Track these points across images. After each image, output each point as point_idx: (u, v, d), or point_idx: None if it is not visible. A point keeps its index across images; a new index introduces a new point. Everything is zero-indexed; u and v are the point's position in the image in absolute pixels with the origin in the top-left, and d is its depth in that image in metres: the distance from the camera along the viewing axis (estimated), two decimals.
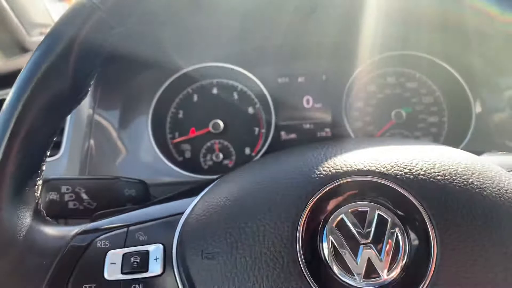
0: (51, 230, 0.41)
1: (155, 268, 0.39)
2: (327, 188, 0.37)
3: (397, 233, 0.35)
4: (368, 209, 0.36)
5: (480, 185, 0.37)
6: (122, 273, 0.39)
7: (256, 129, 0.91)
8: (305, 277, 0.34)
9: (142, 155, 0.85)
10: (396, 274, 0.34)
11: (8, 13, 0.90)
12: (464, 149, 0.44)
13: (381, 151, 0.40)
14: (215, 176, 0.48)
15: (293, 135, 0.89)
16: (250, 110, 0.91)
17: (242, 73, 0.90)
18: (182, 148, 0.90)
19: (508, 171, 0.41)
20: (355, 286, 0.35)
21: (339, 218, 0.36)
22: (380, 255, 0.35)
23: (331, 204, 0.37)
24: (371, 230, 0.36)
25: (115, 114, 0.86)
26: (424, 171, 0.37)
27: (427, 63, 0.90)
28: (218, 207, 0.40)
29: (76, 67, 0.40)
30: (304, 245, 0.35)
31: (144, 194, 0.57)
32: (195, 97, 0.92)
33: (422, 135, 0.91)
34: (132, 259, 0.39)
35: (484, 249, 0.35)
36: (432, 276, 0.34)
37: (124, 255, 0.39)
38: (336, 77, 0.89)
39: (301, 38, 0.86)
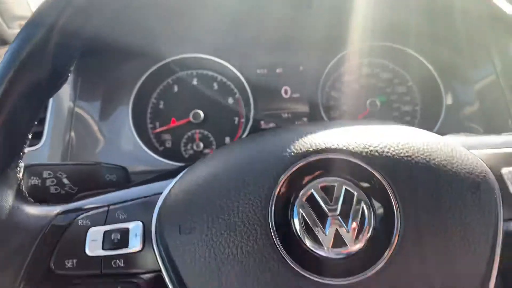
0: (33, 210, 0.42)
1: (135, 244, 0.41)
2: (298, 166, 0.39)
3: (362, 206, 0.38)
4: (336, 184, 0.39)
5: (441, 161, 0.40)
6: (103, 249, 0.40)
7: (236, 119, 0.93)
8: (278, 248, 0.37)
9: (123, 145, 0.86)
10: (362, 244, 0.37)
11: None
12: None
13: (349, 131, 0.42)
14: None
15: (272, 125, 0.92)
16: (230, 100, 0.93)
17: (222, 64, 0.91)
18: (163, 138, 0.92)
19: (468, 150, 0.44)
20: (324, 256, 0.37)
21: (309, 193, 0.38)
22: (347, 226, 0.37)
23: (302, 180, 0.39)
24: (338, 204, 0.38)
25: (96, 105, 0.87)
26: (388, 149, 0.40)
27: (401, 54, 0.93)
28: (195, 185, 0.42)
29: (55, 54, 0.42)
30: (276, 219, 0.38)
31: (125, 180, 0.58)
32: (176, 88, 0.93)
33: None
34: (112, 236, 0.41)
35: (444, 219, 0.38)
36: (395, 245, 0.37)
37: (105, 232, 0.41)
38: (313, 68, 0.92)
39: (281, 31, 0.88)
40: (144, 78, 0.90)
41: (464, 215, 0.38)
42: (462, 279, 0.37)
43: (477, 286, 0.38)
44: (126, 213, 0.42)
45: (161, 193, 0.44)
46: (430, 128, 0.89)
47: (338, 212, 0.38)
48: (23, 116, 0.41)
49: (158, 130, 0.91)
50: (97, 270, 0.40)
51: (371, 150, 0.40)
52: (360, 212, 0.38)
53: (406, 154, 0.40)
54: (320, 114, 0.90)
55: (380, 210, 0.38)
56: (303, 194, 0.38)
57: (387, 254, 0.36)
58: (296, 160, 0.39)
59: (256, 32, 0.88)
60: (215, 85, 0.93)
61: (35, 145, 0.75)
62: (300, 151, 0.40)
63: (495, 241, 0.39)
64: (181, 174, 0.45)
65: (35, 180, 0.52)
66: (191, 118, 0.91)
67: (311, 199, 0.38)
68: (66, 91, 0.82)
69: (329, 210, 0.38)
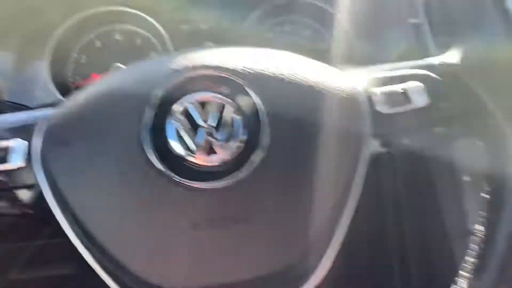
0: None
1: (16, 160, 0.41)
2: (174, 81, 0.41)
3: (234, 118, 0.40)
4: (210, 98, 0.41)
5: (314, 80, 0.43)
6: None
7: None
8: (152, 157, 0.39)
9: (40, 98, 0.84)
10: (232, 154, 0.40)
11: None
12: None
13: (228, 52, 0.45)
14: None
15: None
16: (153, 55, 0.93)
17: (145, 18, 0.91)
18: None
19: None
20: (197, 163, 0.39)
21: (183, 106, 0.40)
22: (218, 136, 0.40)
23: (177, 95, 0.41)
24: (211, 116, 0.40)
25: (11, 58, 0.84)
26: (262, 67, 0.43)
27: None
28: (78, 106, 0.43)
29: None
30: (152, 131, 0.39)
31: None
32: (98, 43, 0.92)
33: None
34: None
35: (310, 136, 0.41)
36: (261, 157, 0.40)
37: None
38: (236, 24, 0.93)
39: None
40: (63, 31, 0.88)
41: (330, 132, 0.42)
42: (320, 193, 0.41)
43: (335, 201, 0.41)
44: (8, 131, 0.43)
45: (47, 116, 0.44)
46: None
47: (210, 123, 0.40)
48: None
49: (78, 83, 0.90)
50: None
51: (246, 67, 0.42)
52: (232, 124, 0.40)
53: (279, 72, 0.43)
54: None
55: (250, 123, 0.41)
56: (178, 107, 0.40)
57: (252, 164, 0.39)
58: (172, 76, 0.41)
59: None
60: (138, 41, 0.93)
61: None
62: (177, 68, 0.42)
63: (358, 158, 0.42)
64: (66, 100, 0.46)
65: None
66: None
67: (185, 112, 0.40)
68: None
69: (202, 121, 0.40)
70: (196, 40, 0.93)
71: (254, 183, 0.39)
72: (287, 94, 0.42)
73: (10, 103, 0.56)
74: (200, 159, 0.39)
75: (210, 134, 0.40)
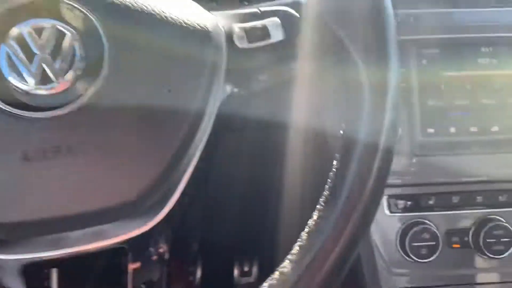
0: None
1: None
2: (11, 3, 0.39)
3: (73, 45, 0.38)
4: (48, 25, 0.39)
5: (170, 14, 0.41)
6: None
7: None
8: None
9: None
10: (69, 82, 0.38)
11: None
12: None
13: None
14: None
15: None
16: None
17: None
18: None
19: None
20: (31, 92, 0.37)
21: (17, 32, 0.38)
22: (55, 64, 0.38)
23: (12, 21, 0.38)
24: (48, 43, 0.38)
25: None
26: None
27: None
28: None
29: None
30: None
31: None
32: None
33: None
34: None
35: (157, 70, 0.39)
36: (100, 86, 0.38)
37: None
38: None
39: None
40: None
41: (178, 62, 0.40)
42: (166, 124, 0.39)
43: (183, 134, 0.39)
44: None
45: None
46: None
47: (47, 50, 0.38)
48: None
49: None
50: None
51: None
52: (70, 51, 0.38)
53: (128, 1, 0.41)
54: None
55: (90, 52, 0.39)
56: (11, 33, 0.38)
57: (88, 94, 0.37)
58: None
59: None
60: None
61: None
62: None
63: (210, 90, 0.41)
64: None
65: None
66: None
67: (19, 39, 0.38)
68: None
69: (38, 48, 0.38)
70: None
71: (90, 114, 0.37)
72: (133, 23, 0.40)
73: None
74: (32, 88, 0.37)
75: (47, 62, 0.38)
